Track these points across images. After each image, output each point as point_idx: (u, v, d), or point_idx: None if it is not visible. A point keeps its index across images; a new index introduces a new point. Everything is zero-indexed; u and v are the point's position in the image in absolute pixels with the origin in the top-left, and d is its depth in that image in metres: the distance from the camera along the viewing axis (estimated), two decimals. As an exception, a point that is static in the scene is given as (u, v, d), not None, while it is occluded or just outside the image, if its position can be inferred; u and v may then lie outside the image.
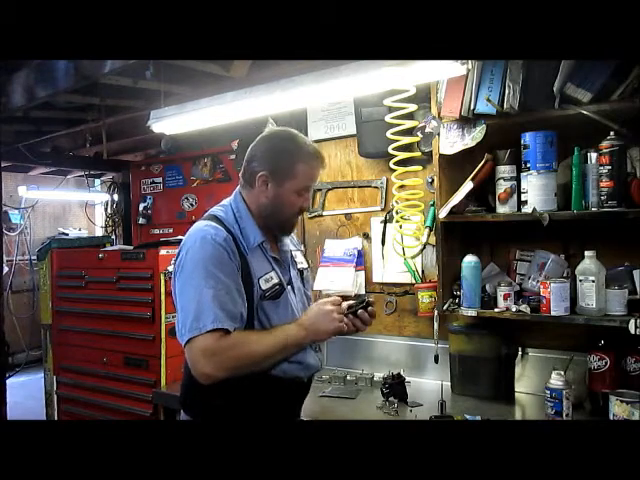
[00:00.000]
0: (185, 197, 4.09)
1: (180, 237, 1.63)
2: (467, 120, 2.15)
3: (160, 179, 4.26)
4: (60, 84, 2.51)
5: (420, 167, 2.52)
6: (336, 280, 2.74)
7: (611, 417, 1.84)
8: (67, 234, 6.91)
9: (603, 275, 1.93)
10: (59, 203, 7.34)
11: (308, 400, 1.76)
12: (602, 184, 1.90)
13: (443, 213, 2.21)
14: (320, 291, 2.77)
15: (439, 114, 2.23)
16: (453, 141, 2.20)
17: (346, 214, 2.89)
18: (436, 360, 2.38)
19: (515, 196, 2.12)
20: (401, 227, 2.47)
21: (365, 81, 1.94)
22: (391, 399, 2.23)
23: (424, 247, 2.47)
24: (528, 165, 2.04)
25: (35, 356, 6.00)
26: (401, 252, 2.57)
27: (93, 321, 3.23)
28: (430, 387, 2.42)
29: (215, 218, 1.60)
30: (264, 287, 1.58)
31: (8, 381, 3.52)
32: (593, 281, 1.92)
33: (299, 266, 1.79)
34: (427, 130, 2.29)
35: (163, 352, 2.85)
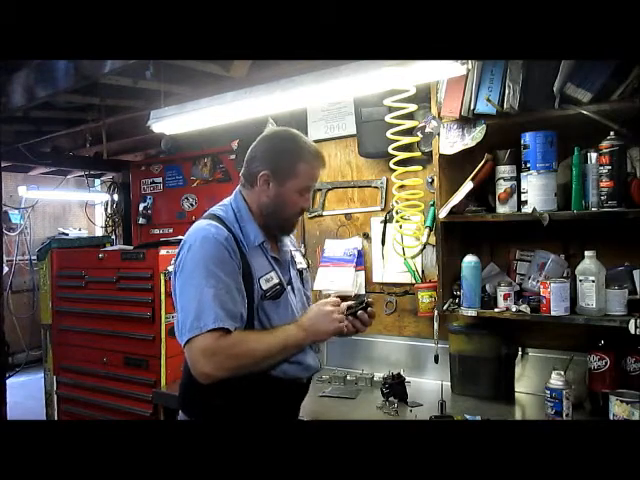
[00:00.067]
0: (185, 197, 4.09)
1: (180, 237, 1.63)
2: (467, 120, 2.15)
3: (160, 179, 4.25)
4: (60, 84, 2.51)
5: (420, 167, 2.52)
6: (336, 280, 2.74)
7: (611, 417, 1.84)
8: (67, 234, 6.91)
9: (603, 275, 1.93)
10: (59, 203, 7.34)
11: (308, 400, 1.76)
12: (602, 184, 1.90)
13: (443, 213, 2.21)
14: (320, 291, 2.77)
15: (439, 114, 2.23)
16: (453, 141, 2.20)
17: (346, 214, 2.89)
18: (436, 360, 2.38)
19: (515, 196, 2.13)
20: (401, 227, 2.47)
21: (365, 81, 1.94)
22: (391, 399, 2.23)
23: (424, 247, 2.47)
24: (528, 165, 2.04)
25: (35, 356, 6.00)
26: (401, 252, 2.57)
27: (93, 321, 3.22)
28: (430, 387, 2.42)
29: (216, 217, 1.59)
30: (264, 287, 1.58)
31: (8, 381, 3.52)
32: (593, 281, 1.92)
33: (298, 266, 1.79)
34: (427, 130, 2.29)
35: (163, 352, 2.85)
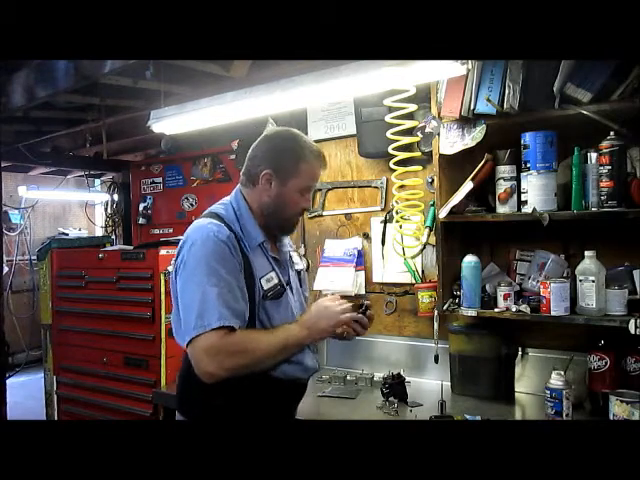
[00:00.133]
0: (185, 197, 4.09)
1: (180, 237, 1.62)
2: (467, 120, 2.15)
3: (160, 179, 4.26)
4: (60, 84, 2.51)
5: (420, 167, 2.52)
6: (336, 280, 2.74)
7: (611, 417, 1.84)
8: (67, 234, 6.91)
9: (603, 275, 1.93)
10: (59, 203, 7.34)
11: (308, 400, 1.76)
12: (602, 184, 1.90)
13: (443, 213, 2.21)
14: (320, 291, 2.77)
15: (439, 114, 2.23)
16: (453, 141, 2.20)
17: (346, 214, 2.89)
18: (436, 360, 2.38)
19: (515, 196, 2.12)
20: (401, 227, 2.47)
21: (365, 81, 1.94)
22: (391, 399, 2.23)
23: (424, 247, 2.47)
24: (528, 165, 2.04)
25: (35, 356, 6.00)
26: (401, 252, 2.57)
27: (93, 321, 3.23)
28: (430, 387, 2.41)
29: (216, 216, 1.59)
30: (265, 287, 1.58)
31: (8, 381, 3.52)
32: (593, 281, 1.92)
33: (296, 267, 1.79)
34: (427, 130, 2.29)
35: (163, 352, 2.85)
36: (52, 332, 3.48)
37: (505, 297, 2.13)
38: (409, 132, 2.33)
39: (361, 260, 2.79)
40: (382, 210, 2.75)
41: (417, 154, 2.44)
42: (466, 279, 2.19)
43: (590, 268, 1.94)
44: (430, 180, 2.52)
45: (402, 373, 2.33)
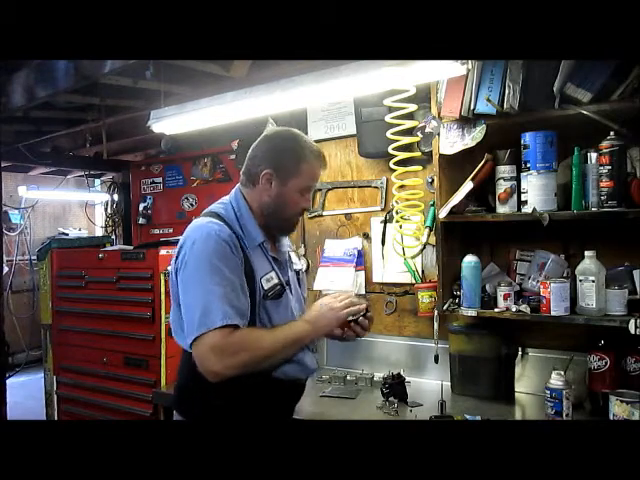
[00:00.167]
0: (185, 197, 4.09)
1: (180, 237, 1.62)
2: (467, 120, 2.15)
3: (160, 179, 4.26)
4: (60, 84, 2.51)
5: (420, 167, 2.52)
6: (336, 280, 2.74)
7: (611, 417, 1.84)
8: (67, 234, 6.91)
9: (603, 275, 1.93)
10: (59, 203, 7.34)
11: (308, 400, 1.76)
12: (602, 184, 1.90)
13: (443, 213, 2.21)
14: (320, 291, 2.77)
15: (439, 114, 2.23)
16: (453, 141, 2.20)
17: (346, 214, 2.89)
18: (436, 360, 2.38)
19: (515, 196, 2.12)
20: (401, 227, 2.47)
21: (365, 81, 1.94)
22: (391, 399, 2.23)
23: (424, 247, 2.47)
24: (528, 165, 2.04)
25: (35, 356, 6.00)
26: (401, 252, 2.57)
27: (93, 321, 3.22)
28: (430, 387, 2.41)
29: (216, 215, 1.59)
30: (266, 287, 1.58)
31: (8, 381, 3.52)
32: (593, 281, 1.92)
33: (295, 267, 1.79)
34: (427, 130, 2.29)
35: (163, 352, 2.85)
36: (52, 332, 3.48)
37: (505, 297, 2.13)
38: (409, 132, 2.33)
39: (361, 260, 2.79)
40: (382, 210, 2.75)
41: (417, 154, 2.44)
42: (466, 279, 2.19)
43: (590, 268, 1.94)
44: (430, 180, 2.52)
45: (402, 373, 2.33)
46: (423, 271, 2.61)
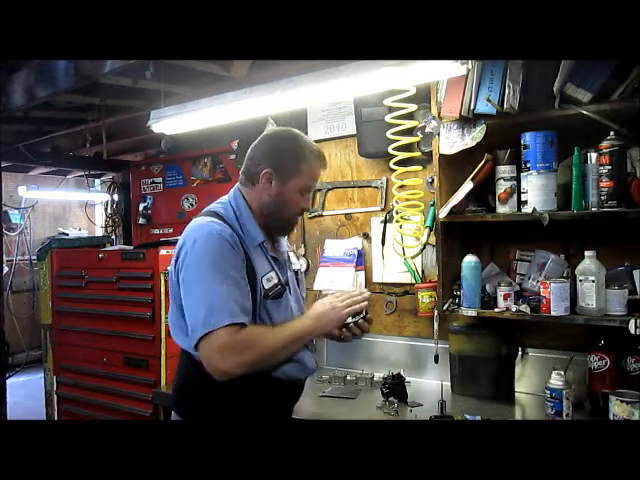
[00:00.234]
0: (185, 197, 4.09)
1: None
2: (467, 120, 2.15)
3: (160, 179, 4.26)
4: (60, 84, 2.51)
5: (420, 167, 2.52)
6: (336, 280, 2.74)
7: (611, 417, 1.84)
8: (67, 234, 6.91)
9: (603, 275, 1.93)
10: (59, 203, 7.34)
11: (308, 400, 1.76)
12: (602, 184, 1.90)
13: (443, 213, 2.21)
14: (320, 291, 2.77)
15: (439, 114, 2.23)
16: (453, 141, 2.20)
17: (346, 214, 2.89)
18: (436, 360, 2.38)
19: (515, 196, 2.12)
20: (401, 227, 2.47)
21: (365, 81, 1.94)
22: (391, 399, 2.23)
23: (424, 247, 2.47)
24: (528, 165, 2.04)
25: (35, 356, 6.00)
26: (401, 252, 2.57)
27: (93, 321, 3.23)
28: (430, 387, 2.41)
29: (216, 215, 1.58)
30: (266, 286, 1.57)
31: (8, 381, 3.52)
32: (593, 281, 1.92)
33: (293, 267, 1.79)
34: (427, 130, 2.29)
35: (163, 352, 2.85)
36: (52, 332, 3.48)
37: (505, 297, 2.13)
38: (409, 132, 2.33)
39: (361, 260, 2.78)
40: (382, 210, 2.75)
41: (417, 154, 2.44)
42: (466, 279, 2.19)
43: (590, 268, 1.94)
44: (430, 180, 2.52)
45: (402, 373, 2.33)
46: (423, 271, 2.61)
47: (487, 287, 2.21)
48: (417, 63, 1.79)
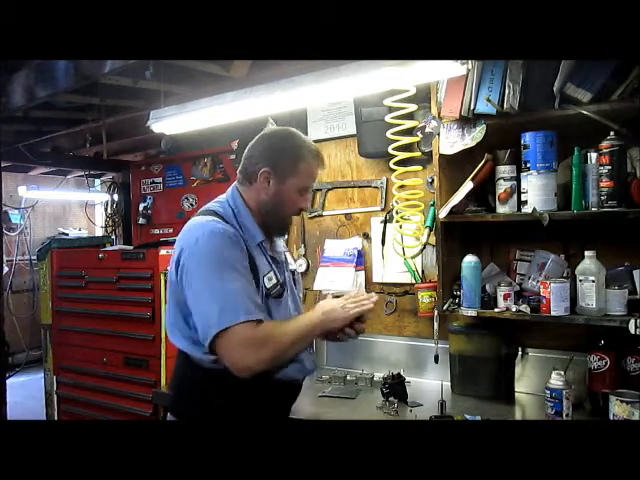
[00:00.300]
0: (185, 197, 4.09)
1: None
2: (467, 120, 2.15)
3: (160, 179, 4.25)
4: (60, 84, 2.51)
5: (420, 167, 2.52)
6: (336, 280, 2.74)
7: (611, 417, 1.84)
8: (67, 234, 6.91)
9: (603, 275, 1.93)
10: (59, 203, 7.34)
11: (308, 400, 1.76)
12: (602, 184, 1.90)
13: (443, 213, 2.21)
14: (320, 291, 2.77)
15: (439, 114, 2.23)
16: (453, 141, 2.20)
17: (346, 214, 2.89)
18: (436, 360, 2.38)
19: (515, 196, 2.12)
20: (401, 227, 2.47)
21: (365, 81, 1.93)
22: (391, 399, 2.23)
23: (424, 247, 2.47)
24: (528, 165, 2.04)
25: (35, 356, 6.00)
26: (401, 252, 2.57)
27: (93, 321, 3.23)
28: (430, 387, 2.41)
29: (215, 214, 1.58)
30: (268, 285, 1.57)
31: (8, 381, 3.52)
32: (593, 281, 1.92)
33: (290, 267, 1.79)
34: (427, 130, 2.29)
35: (163, 352, 2.85)
36: (52, 332, 3.48)
37: (505, 297, 2.13)
38: (409, 132, 2.33)
39: (361, 260, 2.78)
40: (382, 210, 2.75)
41: (417, 154, 2.44)
42: (466, 279, 2.19)
43: (590, 268, 1.94)
44: (430, 180, 2.52)
45: (402, 373, 2.33)
46: (423, 271, 2.61)
47: (487, 287, 2.21)
48: (417, 63, 1.79)
